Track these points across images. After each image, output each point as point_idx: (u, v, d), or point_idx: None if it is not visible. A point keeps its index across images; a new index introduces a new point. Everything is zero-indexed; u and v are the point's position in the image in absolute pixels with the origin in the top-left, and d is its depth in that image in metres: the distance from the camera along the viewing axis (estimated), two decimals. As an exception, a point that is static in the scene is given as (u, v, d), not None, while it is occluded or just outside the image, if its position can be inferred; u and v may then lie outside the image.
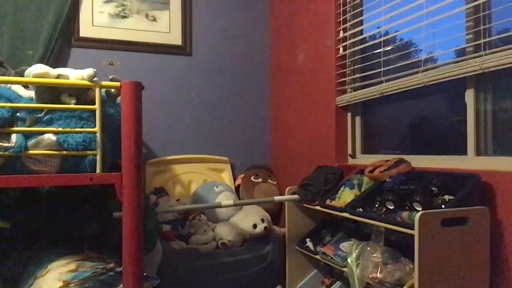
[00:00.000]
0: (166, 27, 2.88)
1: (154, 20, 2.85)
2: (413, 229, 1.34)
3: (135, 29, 2.80)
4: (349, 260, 1.69)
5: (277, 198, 2.21)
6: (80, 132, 1.31)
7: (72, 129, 1.30)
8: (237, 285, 2.29)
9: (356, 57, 2.33)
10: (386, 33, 2.08)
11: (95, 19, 2.71)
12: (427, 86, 1.79)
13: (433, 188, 1.54)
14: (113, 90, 1.45)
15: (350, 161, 2.37)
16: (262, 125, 3.17)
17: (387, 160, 1.85)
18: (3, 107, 1.25)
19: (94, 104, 1.30)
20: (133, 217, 1.26)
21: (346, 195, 1.87)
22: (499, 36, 1.57)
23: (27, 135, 1.27)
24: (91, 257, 1.52)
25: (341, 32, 2.35)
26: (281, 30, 3.01)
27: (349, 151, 2.38)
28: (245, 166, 3.01)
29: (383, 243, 1.62)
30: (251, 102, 3.14)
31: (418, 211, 1.40)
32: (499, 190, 1.46)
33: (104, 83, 1.34)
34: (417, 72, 1.84)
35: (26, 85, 1.41)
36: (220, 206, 2.13)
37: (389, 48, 2.05)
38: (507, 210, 1.43)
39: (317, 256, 1.97)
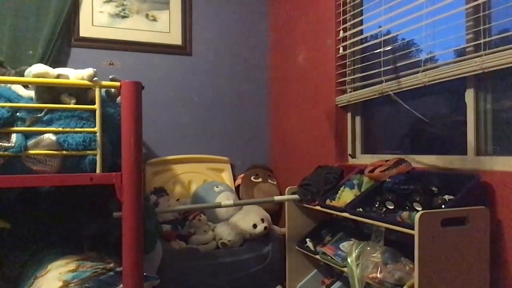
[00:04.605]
0: (166, 27, 2.88)
1: (154, 20, 2.85)
2: (413, 229, 1.34)
3: (135, 29, 2.80)
4: (349, 260, 1.69)
5: (277, 198, 2.21)
6: (80, 132, 1.31)
7: (72, 129, 1.30)
8: (237, 285, 2.29)
9: (356, 57, 2.33)
10: (386, 33, 2.08)
11: (95, 19, 2.71)
12: (427, 86, 1.79)
13: (433, 188, 1.54)
14: (113, 90, 1.45)
15: (350, 161, 2.37)
16: (262, 125, 3.17)
17: (387, 160, 1.85)
18: (3, 107, 1.25)
19: (94, 104, 1.30)
20: (133, 217, 1.26)
21: (346, 195, 1.87)
22: (499, 36, 1.57)
23: (27, 135, 1.27)
24: (91, 257, 1.52)
25: (341, 32, 2.35)
26: (281, 30, 3.01)
27: (349, 151, 2.38)
28: (245, 166, 3.01)
29: (383, 243, 1.62)
30: (251, 102, 3.14)
31: (418, 211, 1.40)
32: (499, 190, 1.46)
33: (104, 83, 1.34)
34: (417, 72, 1.84)
35: (26, 85, 1.41)
36: (220, 206, 2.13)
37: (389, 48, 2.05)
38: (507, 210, 1.43)
39: (317, 256, 1.97)
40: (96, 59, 2.67)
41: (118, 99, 1.43)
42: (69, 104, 1.34)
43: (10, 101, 1.31)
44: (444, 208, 1.42)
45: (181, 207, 2.31)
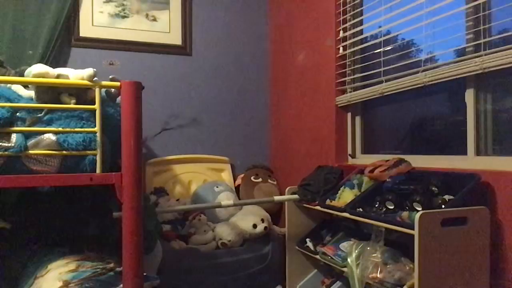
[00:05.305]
0: (166, 27, 2.88)
1: (154, 20, 2.85)
2: (413, 229, 1.34)
3: (135, 29, 2.80)
4: (349, 260, 1.69)
5: (277, 198, 2.21)
6: (80, 132, 1.31)
7: (72, 129, 1.30)
8: (237, 285, 2.29)
9: (356, 57, 2.34)
10: (386, 33, 2.08)
11: (95, 19, 2.71)
12: (427, 86, 1.79)
13: (433, 188, 1.54)
14: (113, 90, 1.45)
15: (350, 161, 2.37)
16: (262, 125, 3.17)
17: (387, 160, 1.85)
18: (3, 107, 1.25)
19: (94, 104, 1.30)
20: (133, 217, 1.26)
21: (346, 195, 1.87)
22: (499, 36, 1.57)
23: (27, 135, 1.27)
24: (91, 257, 1.52)
25: (341, 32, 2.35)
26: (281, 30, 3.01)
27: (349, 151, 2.38)
28: (245, 166, 3.01)
29: (383, 243, 1.62)
30: (251, 102, 3.14)
31: (418, 211, 1.40)
32: (499, 190, 1.46)
33: (104, 83, 1.34)
34: (417, 72, 1.84)
35: (26, 85, 1.41)
36: (220, 206, 2.14)
37: (389, 48, 2.05)
38: (507, 210, 1.43)
39: (317, 256, 1.97)
40: (96, 59, 2.67)
41: (118, 99, 1.43)
42: (69, 104, 1.34)
43: (10, 101, 1.31)
44: (444, 208, 1.42)
45: (181, 207, 2.30)
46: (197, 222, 2.38)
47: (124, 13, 2.78)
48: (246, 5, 3.12)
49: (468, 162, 1.67)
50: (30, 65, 1.34)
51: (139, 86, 1.30)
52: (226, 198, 2.51)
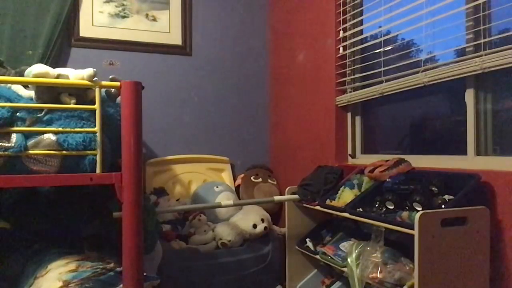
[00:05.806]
0: (166, 27, 2.88)
1: (154, 20, 2.85)
2: (413, 229, 1.34)
3: (135, 29, 2.80)
4: (349, 260, 1.69)
5: (277, 198, 2.21)
6: (80, 132, 1.31)
7: (72, 129, 1.30)
8: (237, 285, 2.29)
9: (356, 57, 2.34)
10: (386, 33, 2.08)
11: (95, 19, 2.71)
12: (427, 86, 1.79)
13: (433, 188, 1.54)
14: (113, 90, 1.45)
15: (350, 161, 2.37)
16: (262, 125, 3.17)
17: (387, 160, 1.85)
18: (3, 107, 1.25)
19: (94, 104, 1.30)
20: (133, 217, 1.26)
21: (346, 195, 1.87)
22: (499, 36, 1.57)
23: (27, 135, 1.27)
24: (91, 257, 1.52)
25: (341, 32, 2.35)
26: (281, 30, 3.01)
27: (349, 151, 2.38)
28: (245, 166, 3.01)
29: (383, 243, 1.62)
30: (251, 102, 3.14)
31: (418, 211, 1.40)
32: (499, 190, 1.46)
33: (104, 83, 1.34)
34: (417, 72, 1.84)
35: (26, 85, 1.41)
36: (220, 206, 2.14)
37: (389, 48, 2.05)
38: (507, 210, 1.43)
39: (317, 256, 1.97)
40: (96, 59, 2.67)
41: (118, 99, 1.43)
42: (69, 104, 1.34)
43: (10, 101, 1.31)
44: (444, 208, 1.42)
45: (181, 207, 2.30)
46: (197, 222, 2.38)
47: (124, 13, 2.78)
48: (246, 5, 3.12)
49: (468, 162, 1.67)
50: (30, 65, 1.34)
51: (139, 86, 1.30)
52: (226, 198, 2.51)
